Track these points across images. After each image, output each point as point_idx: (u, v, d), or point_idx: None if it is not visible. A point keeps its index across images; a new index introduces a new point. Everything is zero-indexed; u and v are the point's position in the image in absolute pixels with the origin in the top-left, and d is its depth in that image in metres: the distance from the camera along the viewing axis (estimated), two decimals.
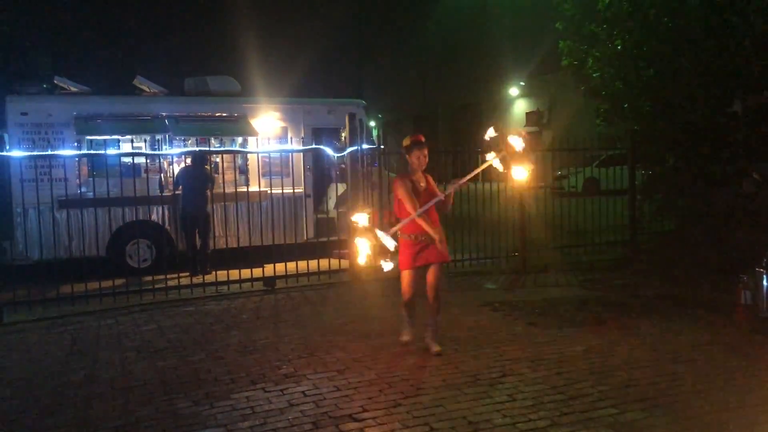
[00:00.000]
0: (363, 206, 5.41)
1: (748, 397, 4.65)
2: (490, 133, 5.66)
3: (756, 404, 4.52)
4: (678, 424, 4.26)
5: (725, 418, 4.32)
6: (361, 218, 5.46)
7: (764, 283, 6.30)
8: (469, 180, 5.79)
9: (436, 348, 5.78)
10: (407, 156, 5.83)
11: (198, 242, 10.18)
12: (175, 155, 10.64)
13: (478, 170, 5.73)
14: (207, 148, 10.47)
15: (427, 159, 5.80)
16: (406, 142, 5.86)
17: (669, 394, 4.76)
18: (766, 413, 4.27)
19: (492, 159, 5.54)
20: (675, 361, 5.52)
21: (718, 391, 4.79)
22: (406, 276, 5.82)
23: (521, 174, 5.61)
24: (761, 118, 8.72)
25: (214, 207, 10.04)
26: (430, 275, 5.82)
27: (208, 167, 10.39)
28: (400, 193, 5.68)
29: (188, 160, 10.41)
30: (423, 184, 5.80)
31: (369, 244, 5.34)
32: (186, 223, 10.14)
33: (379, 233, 5.29)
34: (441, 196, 5.65)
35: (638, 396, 4.73)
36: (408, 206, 5.61)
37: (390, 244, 5.29)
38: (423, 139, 5.84)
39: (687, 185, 9.54)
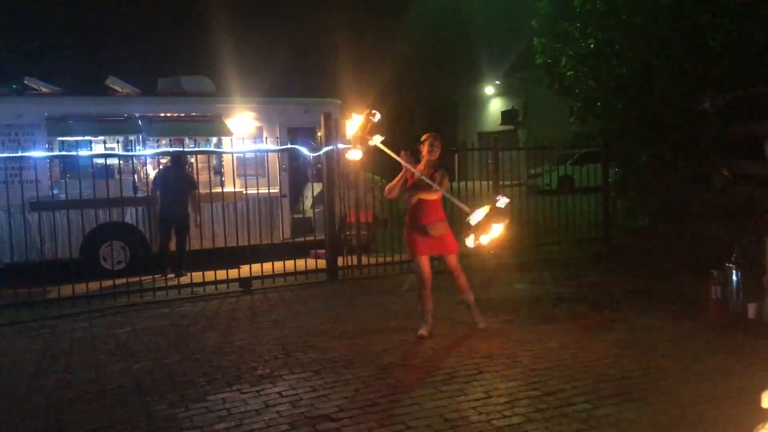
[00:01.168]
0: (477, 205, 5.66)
1: (719, 391, 4.73)
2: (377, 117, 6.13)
3: (727, 397, 4.59)
4: (651, 418, 4.32)
5: (697, 412, 4.39)
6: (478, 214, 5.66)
7: (734, 278, 6.43)
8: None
9: (481, 323, 6.45)
10: (422, 147, 6.34)
11: (173, 244, 10.09)
12: (149, 156, 10.55)
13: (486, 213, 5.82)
14: (181, 149, 10.40)
15: (438, 150, 6.31)
16: (423, 138, 6.36)
17: (642, 389, 4.82)
18: (737, 406, 4.34)
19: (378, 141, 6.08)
20: (647, 356, 5.60)
21: (690, 386, 4.87)
22: (422, 263, 6.30)
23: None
24: (730, 116, 8.86)
25: (191, 210, 9.97)
26: (450, 258, 6.41)
27: (188, 168, 10.31)
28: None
29: (166, 162, 10.32)
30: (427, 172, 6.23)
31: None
32: (162, 226, 10.05)
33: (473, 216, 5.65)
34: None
35: (612, 391, 4.79)
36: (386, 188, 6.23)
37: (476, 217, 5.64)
38: (433, 136, 6.41)
39: (659, 182, 9.67)
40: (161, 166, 10.40)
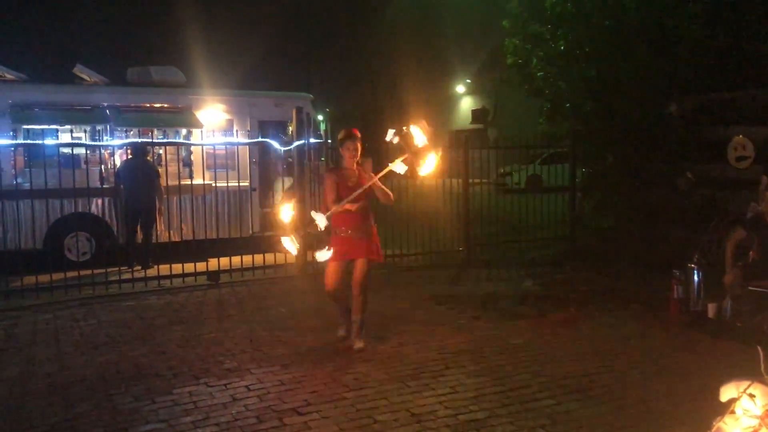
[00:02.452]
0: (283, 200, 5.40)
1: (680, 387, 4.86)
2: (390, 136, 5.55)
3: (687, 394, 4.71)
4: (613, 414, 4.42)
5: (658, 408, 4.50)
6: (285, 214, 5.43)
7: (695, 278, 6.58)
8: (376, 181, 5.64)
9: (357, 344, 5.79)
10: (340, 149, 5.85)
11: (139, 236, 9.98)
12: (116, 146, 10.40)
13: (382, 174, 5.58)
14: (150, 140, 10.27)
15: (358, 153, 5.78)
16: (340, 135, 5.89)
17: (605, 385, 4.93)
18: (696, 403, 4.46)
19: (394, 165, 5.43)
20: (611, 353, 5.71)
21: (652, 382, 4.99)
22: (328, 268, 5.79)
23: (429, 167, 5.47)
24: (695, 120, 9.05)
25: (157, 200, 9.87)
26: (356, 271, 5.80)
27: (150, 158, 10.18)
28: (325, 186, 5.77)
29: (129, 153, 10.19)
30: (354, 180, 5.73)
31: (294, 239, 5.29)
32: (128, 218, 9.93)
33: (313, 213, 5.33)
34: (361, 191, 5.52)
35: (575, 387, 4.88)
36: (327, 200, 5.68)
37: (321, 222, 5.28)
38: (357, 133, 5.83)
39: (624, 183, 9.84)
40: (126, 158, 10.25)
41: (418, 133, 5.40)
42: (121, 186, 9.85)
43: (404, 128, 5.53)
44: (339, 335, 6.05)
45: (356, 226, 5.73)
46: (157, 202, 9.90)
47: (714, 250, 6.82)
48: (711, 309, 6.40)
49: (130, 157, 10.12)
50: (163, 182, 9.93)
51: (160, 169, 10.14)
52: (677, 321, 6.57)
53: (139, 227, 9.95)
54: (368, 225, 5.83)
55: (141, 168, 9.84)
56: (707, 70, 9.27)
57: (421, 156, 5.48)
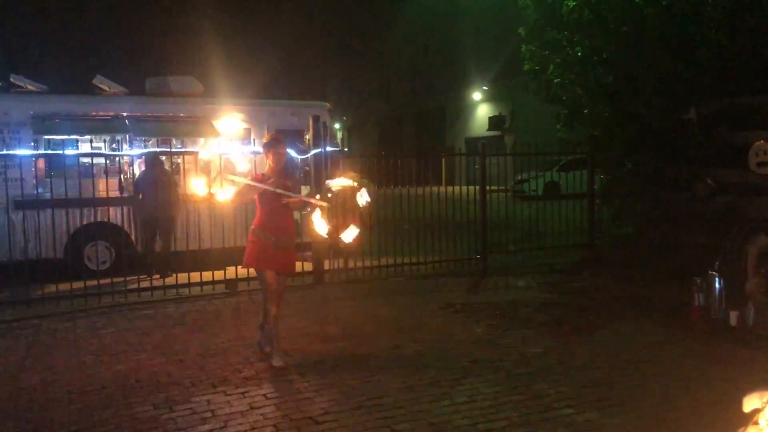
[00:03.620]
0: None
1: (700, 397, 4.78)
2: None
3: (708, 404, 4.64)
4: (633, 423, 4.37)
5: (678, 417, 4.43)
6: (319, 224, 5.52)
7: (717, 285, 6.50)
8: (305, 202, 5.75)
9: (275, 362, 5.58)
10: (265, 154, 5.78)
11: (158, 245, 10.04)
12: (135, 156, 10.49)
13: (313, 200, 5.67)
14: (168, 149, 10.36)
15: (284, 158, 5.75)
16: (265, 139, 5.88)
17: (624, 395, 4.87)
18: (717, 412, 4.39)
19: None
20: (630, 361, 5.65)
21: (672, 391, 4.92)
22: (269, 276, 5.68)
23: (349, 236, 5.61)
24: (714, 125, 8.96)
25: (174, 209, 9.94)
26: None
27: (167, 168, 10.25)
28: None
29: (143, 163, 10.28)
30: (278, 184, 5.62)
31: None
32: (147, 227, 9.99)
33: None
34: (267, 186, 5.52)
35: (595, 396, 4.83)
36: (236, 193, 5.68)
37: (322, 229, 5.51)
38: (281, 138, 5.82)
39: (643, 190, 9.76)
40: (144, 168, 10.33)
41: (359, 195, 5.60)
42: (140, 195, 9.93)
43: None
44: (278, 366, 5.61)
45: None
46: (174, 211, 9.97)
47: (736, 257, 6.73)
48: (733, 317, 6.31)
49: (148, 167, 10.19)
50: (181, 191, 10.00)
51: (176, 177, 10.21)
52: (698, 330, 6.47)
53: (158, 236, 10.02)
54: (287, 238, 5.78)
55: (159, 178, 9.92)
56: (727, 75, 9.18)
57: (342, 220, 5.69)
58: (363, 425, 4.37)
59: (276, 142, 5.77)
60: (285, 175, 5.77)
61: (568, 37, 10.42)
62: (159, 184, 9.87)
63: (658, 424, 4.35)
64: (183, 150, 11.01)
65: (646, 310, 7.34)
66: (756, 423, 2.73)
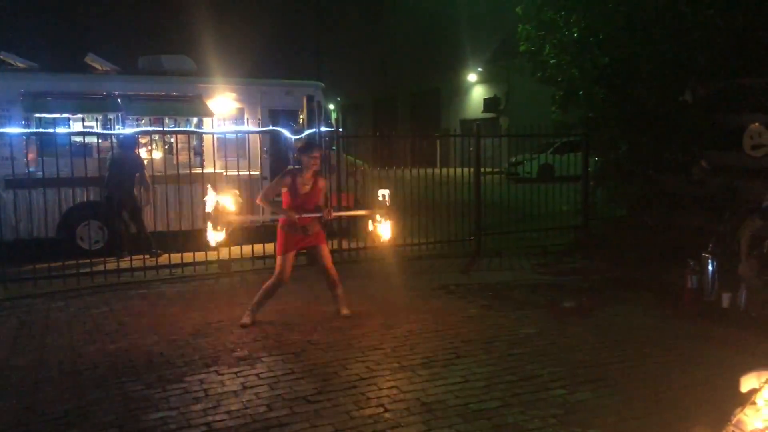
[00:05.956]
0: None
1: (692, 378, 4.81)
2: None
3: (700, 384, 4.67)
4: (625, 403, 4.38)
5: (671, 398, 4.46)
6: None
7: (710, 267, 6.51)
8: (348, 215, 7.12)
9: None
10: (301, 156, 6.26)
11: (131, 227, 9.94)
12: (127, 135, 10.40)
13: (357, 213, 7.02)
14: (161, 128, 10.26)
15: (318, 163, 6.28)
16: (303, 144, 6.51)
17: (617, 375, 4.89)
18: (709, 392, 4.41)
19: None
20: (623, 342, 5.67)
21: (665, 372, 4.94)
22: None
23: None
24: (711, 108, 8.93)
25: (168, 189, 9.87)
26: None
27: (137, 151, 10.14)
28: (282, 183, 6.22)
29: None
30: (308, 187, 6.23)
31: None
32: (112, 207, 9.87)
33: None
34: (317, 213, 6.31)
35: (588, 377, 4.84)
36: (263, 194, 6.33)
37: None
38: (314, 143, 6.65)
39: (638, 172, 9.74)
40: (116, 149, 10.14)
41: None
42: (107, 175, 9.78)
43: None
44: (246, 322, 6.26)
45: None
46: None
47: (729, 240, 6.74)
48: (725, 299, 6.34)
49: (119, 148, 10.03)
50: (174, 171, 9.93)
51: (175, 159, 10.10)
52: (691, 311, 6.50)
53: (125, 217, 9.92)
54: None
55: (126, 160, 9.78)
56: (724, 56, 9.13)
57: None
58: (356, 405, 4.37)
59: (316, 147, 6.49)
60: (318, 182, 6.33)
61: (565, 18, 10.34)
62: (126, 165, 9.74)
63: (651, 404, 4.37)
64: (175, 130, 10.93)
65: (639, 291, 7.36)
66: (753, 403, 2.74)
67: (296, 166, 6.36)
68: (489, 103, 33.81)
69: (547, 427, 4.04)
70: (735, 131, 8.36)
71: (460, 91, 36.91)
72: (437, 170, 10.24)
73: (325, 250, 6.46)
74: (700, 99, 8.89)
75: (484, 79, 35.14)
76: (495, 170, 11.92)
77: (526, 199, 10.83)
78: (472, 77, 35.68)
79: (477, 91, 35.92)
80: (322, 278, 6.66)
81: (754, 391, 2.77)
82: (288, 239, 6.27)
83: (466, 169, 10.42)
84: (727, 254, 6.54)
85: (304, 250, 6.72)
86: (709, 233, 6.92)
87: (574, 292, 7.41)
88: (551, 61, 10.70)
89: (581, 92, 10.47)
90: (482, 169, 10.29)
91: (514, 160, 22.50)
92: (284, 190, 6.21)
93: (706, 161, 8.57)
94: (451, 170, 10.74)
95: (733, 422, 2.76)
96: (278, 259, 6.31)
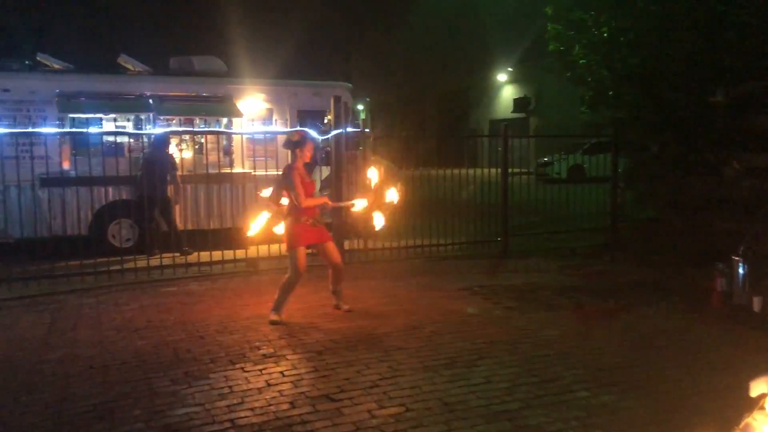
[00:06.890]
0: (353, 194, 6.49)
1: (719, 383, 4.74)
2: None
3: (726, 389, 4.59)
4: (650, 407, 4.34)
5: (695, 403, 4.40)
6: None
7: (739, 270, 6.41)
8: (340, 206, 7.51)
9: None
10: (302, 149, 6.53)
11: (162, 225, 10.08)
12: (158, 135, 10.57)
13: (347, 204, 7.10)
14: (191, 129, 10.40)
15: (309, 156, 6.64)
16: (295, 137, 6.58)
17: (642, 379, 4.84)
18: (735, 398, 4.34)
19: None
20: (649, 346, 5.61)
21: (690, 377, 4.88)
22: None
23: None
24: (743, 109, 8.77)
25: (197, 188, 10.01)
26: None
27: (169, 151, 10.27)
28: (298, 179, 6.40)
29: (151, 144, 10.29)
30: (308, 178, 6.59)
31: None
32: (143, 206, 10.00)
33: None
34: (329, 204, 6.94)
35: (612, 380, 4.81)
36: (303, 192, 6.41)
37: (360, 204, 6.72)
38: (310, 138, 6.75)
39: (668, 173, 9.62)
40: (148, 148, 10.29)
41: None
42: (139, 174, 9.92)
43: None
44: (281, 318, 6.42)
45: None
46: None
47: (761, 243, 6.62)
48: (756, 302, 6.22)
49: (151, 147, 10.17)
50: (203, 171, 10.06)
51: (204, 160, 10.23)
52: (720, 315, 6.40)
53: (157, 215, 10.06)
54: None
55: (157, 160, 9.92)
56: (756, 56, 8.98)
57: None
58: (378, 404, 4.40)
59: (309, 139, 6.73)
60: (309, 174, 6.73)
61: (594, 18, 10.25)
62: (157, 164, 9.88)
63: (673, 408, 4.32)
64: (206, 130, 11.07)
65: (666, 294, 7.27)
66: (762, 408, 2.71)
67: (293, 163, 6.51)
68: (519, 103, 33.62)
69: (569, 430, 4.03)
70: (766, 133, 8.21)
71: (489, 90, 36.74)
72: (465, 171, 10.20)
73: (333, 245, 6.69)
74: (732, 100, 8.75)
75: (514, 79, 34.95)
76: (523, 171, 11.86)
77: (554, 200, 10.75)
78: (502, 77, 35.50)
79: (507, 91, 35.73)
80: (347, 277, 6.74)
81: (763, 396, 2.74)
82: (299, 234, 6.40)
83: (494, 170, 10.39)
84: (759, 257, 6.43)
85: (312, 249, 6.80)
86: (739, 236, 6.80)
87: (600, 295, 7.35)
88: (581, 61, 10.62)
89: (611, 92, 10.38)
90: (510, 170, 10.25)
91: (543, 160, 22.35)
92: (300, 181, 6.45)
93: (738, 162, 8.43)
94: (479, 171, 10.71)
95: (741, 427, 2.73)
96: (292, 254, 6.44)
